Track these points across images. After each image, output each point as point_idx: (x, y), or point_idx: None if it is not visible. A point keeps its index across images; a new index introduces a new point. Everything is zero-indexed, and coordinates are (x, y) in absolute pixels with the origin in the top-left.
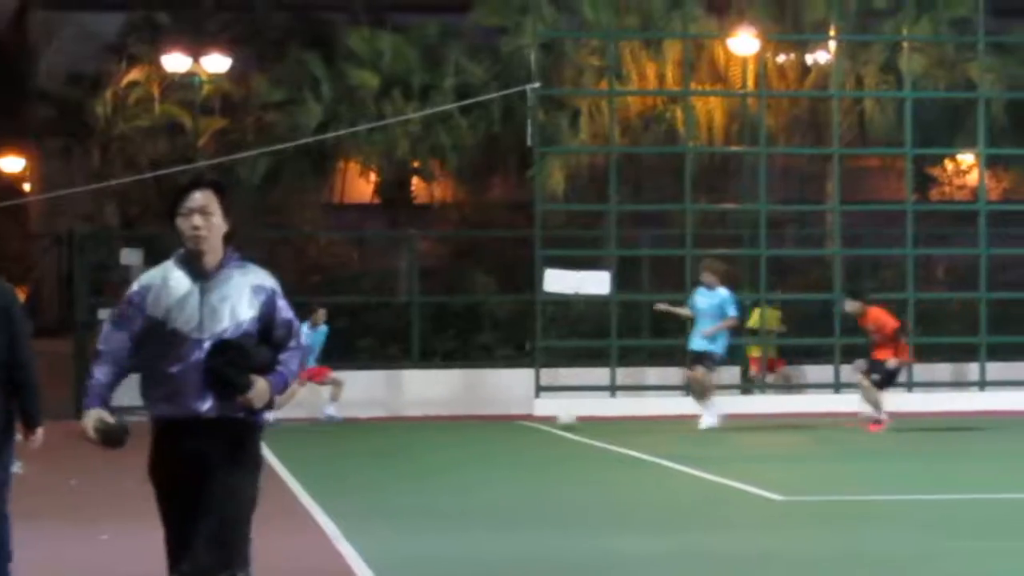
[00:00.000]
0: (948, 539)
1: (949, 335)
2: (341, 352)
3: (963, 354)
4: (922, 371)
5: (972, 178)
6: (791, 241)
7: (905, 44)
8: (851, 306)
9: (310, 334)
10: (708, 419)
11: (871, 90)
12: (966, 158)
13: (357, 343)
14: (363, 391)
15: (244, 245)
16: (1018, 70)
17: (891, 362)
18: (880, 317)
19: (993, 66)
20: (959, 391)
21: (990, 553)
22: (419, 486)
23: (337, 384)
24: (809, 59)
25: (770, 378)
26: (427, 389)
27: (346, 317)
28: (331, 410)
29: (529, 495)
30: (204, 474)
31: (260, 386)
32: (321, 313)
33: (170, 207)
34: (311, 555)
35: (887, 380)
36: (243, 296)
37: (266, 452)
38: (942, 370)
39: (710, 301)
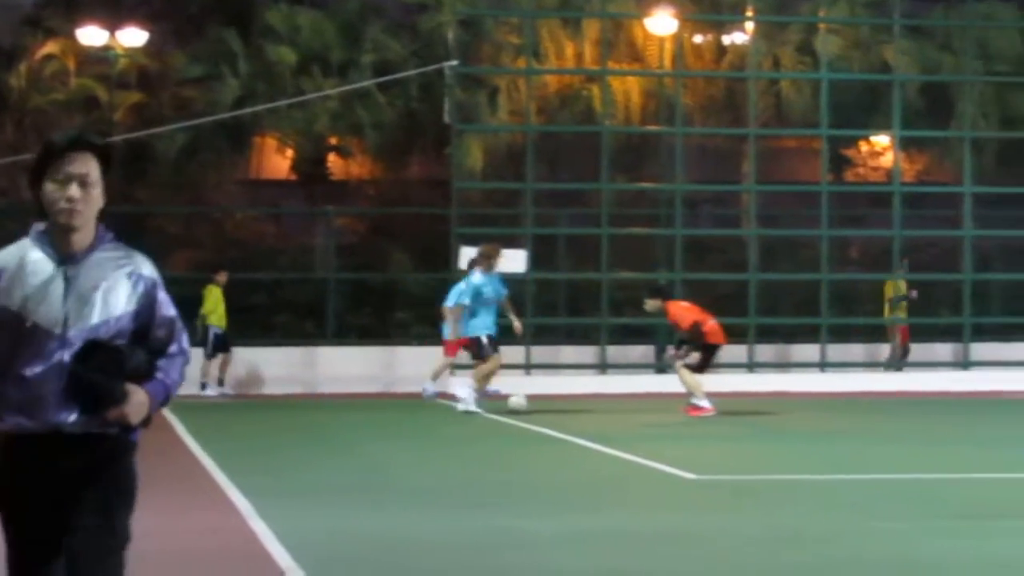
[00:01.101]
0: (860, 518)
1: (862, 315)
2: (257, 328)
3: (876, 335)
4: (834, 352)
5: (887, 160)
6: (707, 221)
7: (822, 26)
8: (651, 305)
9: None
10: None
11: (788, 71)
12: (881, 140)
13: (273, 319)
14: (279, 368)
15: (161, 221)
16: (933, 53)
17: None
18: (677, 313)
19: (908, 49)
20: (872, 371)
21: (896, 533)
22: (334, 463)
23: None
24: (726, 40)
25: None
26: (343, 366)
27: (263, 293)
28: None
29: (443, 473)
30: (66, 506)
31: (137, 398)
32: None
33: (37, 168)
34: (223, 533)
35: (702, 365)
36: (118, 285)
37: (179, 428)
38: (855, 350)
39: (491, 285)
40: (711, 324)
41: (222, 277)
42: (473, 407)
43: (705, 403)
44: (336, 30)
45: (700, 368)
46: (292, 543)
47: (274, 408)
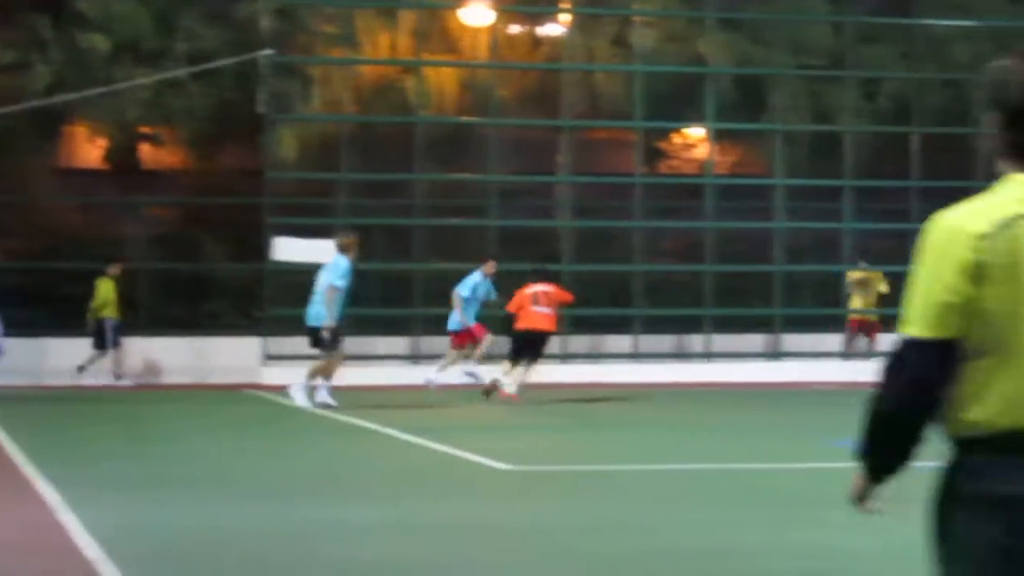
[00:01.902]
0: (677, 509)
1: (675, 307)
2: (70, 319)
3: (688, 326)
4: (647, 343)
5: (700, 152)
6: (522, 212)
7: (636, 18)
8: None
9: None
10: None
11: (602, 63)
12: (695, 132)
13: (85, 310)
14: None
15: None
16: (746, 46)
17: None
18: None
19: (722, 42)
20: (684, 362)
21: (713, 523)
22: (145, 455)
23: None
24: (541, 32)
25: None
26: (154, 356)
27: (75, 284)
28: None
29: (255, 464)
30: None
31: None
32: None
33: None
34: (31, 526)
35: (517, 352)
36: None
37: None
38: (668, 341)
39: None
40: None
41: (115, 269)
42: (329, 400)
43: (505, 386)
44: (150, 18)
45: (515, 356)
46: (103, 535)
47: (87, 400)
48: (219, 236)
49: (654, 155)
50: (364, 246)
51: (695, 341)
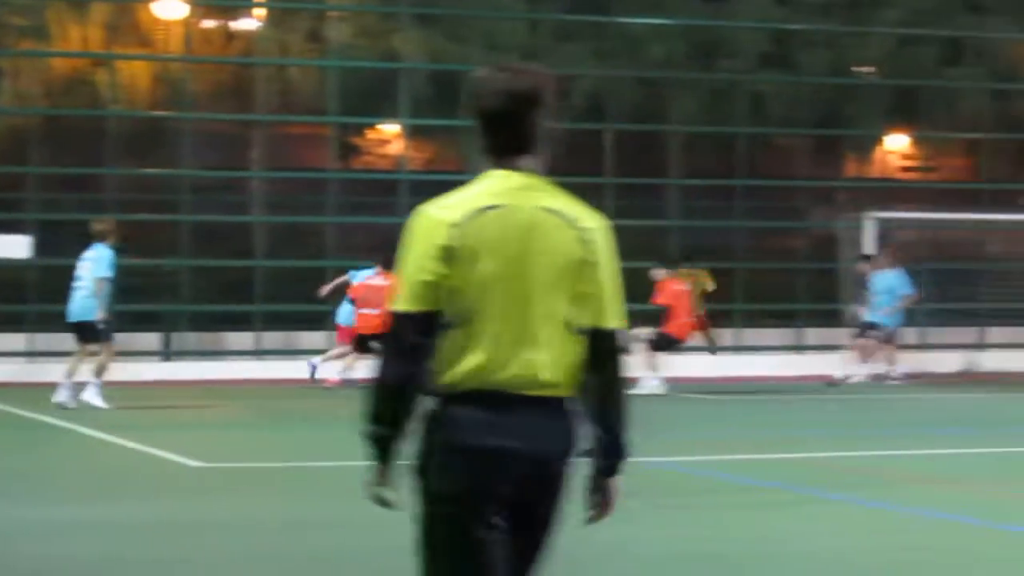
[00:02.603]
0: (366, 504)
1: None
2: None
3: None
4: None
5: (395, 148)
6: (215, 207)
7: (331, 13)
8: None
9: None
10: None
11: (296, 58)
12: (389, 128)
13: None
14: None
15: None
16: (442, 42)
17: None
18: None
19: (417, 38)
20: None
21: (405, 519)
22: None
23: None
24: (235, 26)
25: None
26: None
27: None
28: None
29: None
30: None
31: None
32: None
33: None
34: None
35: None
36: None
37: None
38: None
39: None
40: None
41: None
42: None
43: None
44: None
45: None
46: None
47: None
48: None
49: (348, 150)
50: (56, 241)
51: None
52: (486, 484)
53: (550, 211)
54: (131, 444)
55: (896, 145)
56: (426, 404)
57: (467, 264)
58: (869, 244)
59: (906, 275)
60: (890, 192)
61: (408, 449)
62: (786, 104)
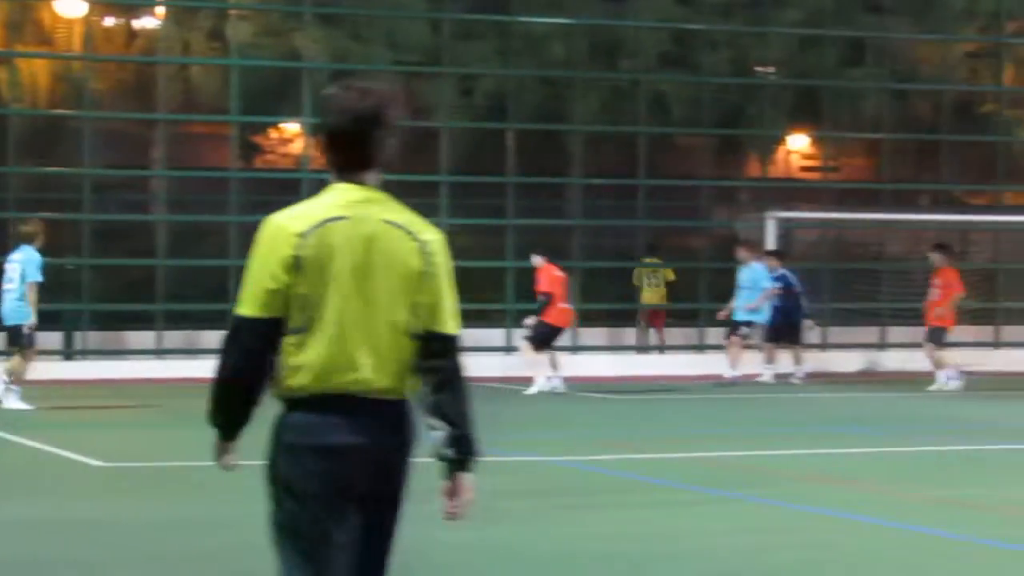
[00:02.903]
0: (255, 503)
1: None
2: None
3: None
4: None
5: (296, 147)
6: (117, 206)
7: (232, 12)
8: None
9: None
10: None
11: (198, 56)
12: (291, 127)
13: None
14: None
15: None
16: (344, 41)
17: None
18: None
19: (319, 36)
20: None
21: None
22: None
23: None
24: (137, 24)
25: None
26: None
27: None
28: None
29: None
30: None
31: None
32: None
33: None
34: None
35: None
36: None
37: None
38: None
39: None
40: None
41: None
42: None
43: None
44: None
45: None
46: None
47: None
48: None
49: (251, 149)
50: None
51: None
52: (333, 480)
53: (391, 224)
54: (33, 443)
55: (798, 145)
56: (273, 407)
57: (312, 273)
58: (771, 243)
59: (765, 270)
60: (792, 192)
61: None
62: (688, 104)
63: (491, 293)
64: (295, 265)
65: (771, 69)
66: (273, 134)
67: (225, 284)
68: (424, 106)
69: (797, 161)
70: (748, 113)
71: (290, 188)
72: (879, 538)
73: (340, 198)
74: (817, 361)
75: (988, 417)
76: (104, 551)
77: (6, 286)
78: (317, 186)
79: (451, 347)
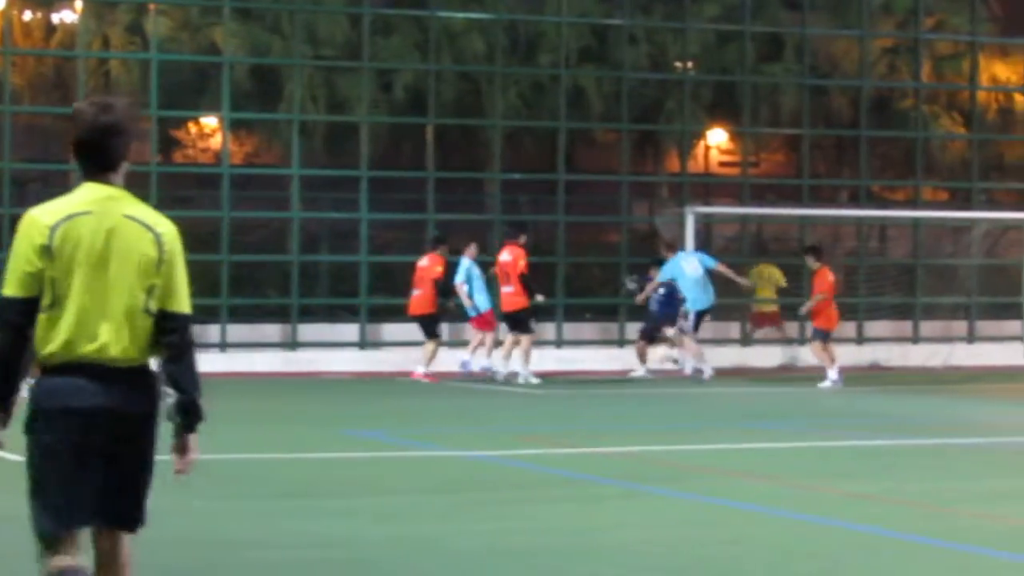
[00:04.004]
0: (182, 498)
1: (192, 297)
2: None
3: (204, 315)
4: None
5: (216, 141)
6: (36, 200)
7: (151, 6)
8: None
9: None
10: None
11: (117, 51)
12: (210, 121)
13: None
14: None
15: None
16: (263, 36)
17: None
18: None
19: (238, 31)
20: (200, 352)
21: (218, 512)
22: None
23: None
24: (56, 18)
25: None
26: None
27: None
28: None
29: None
30: None
31: None
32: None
33: None
34: None
35: None
36: None
37: None
38: None
39: None
40: None
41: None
42: None
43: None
44: None
45: None
46: None
47: None
48: None
49: (170, 144)
50: None
51: (211, 331)
52: (80, 438)
53: (130, 218)
54: None
55: (717, 140)
56: (31, 374)
57: (60, 260)
58: (690, 239)
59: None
60: (711, 187)
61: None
62: (607, 99)
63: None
64: (46, 252)
65: (690, 64)
66: (193, 128)
67: None
68: (344, 100)
69: (716, 156)
70: (667, 108)
71: (210, 183)
72: (796, 532)
73: (87, 195)
74: (738, 357)
75: (904, 412)
76: None
77: None
78: (236, 181)
79: (183, 324)
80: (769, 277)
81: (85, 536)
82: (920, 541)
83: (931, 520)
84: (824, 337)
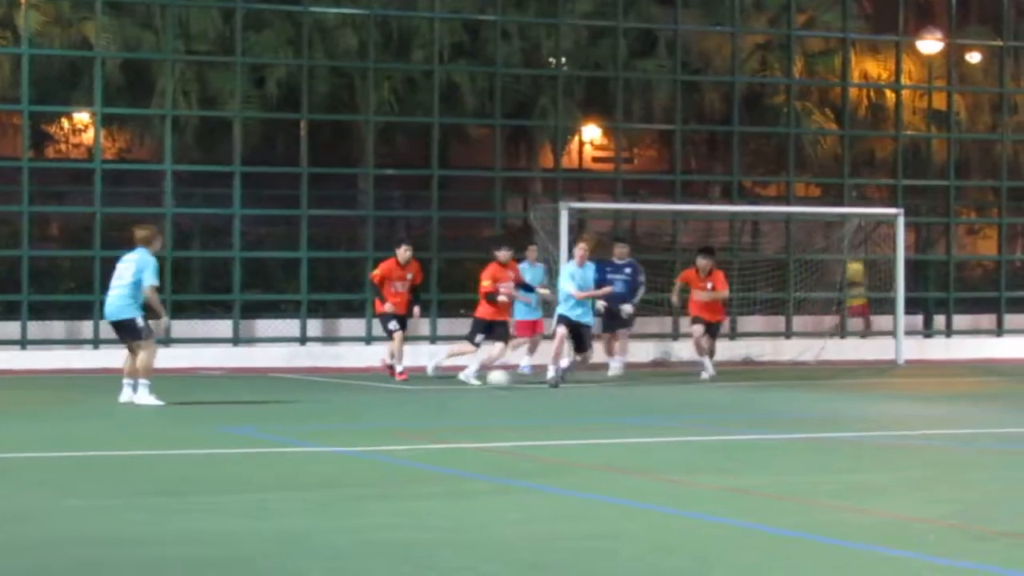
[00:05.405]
0: (61, 496)
1: (63, 293)
2: None
3: (78, 312)
4: (36, 329)
5: (88, 136)
6: None
7: (23, 1)
8: None
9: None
10: None
11: None
12: (82, 116)
13: None
14: None
15: None
16: (135, 31)
17: None
18: None
19: (110, 26)
20: (75, 348)
21: (93, 510)
22: None
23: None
24: None
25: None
26: None
27: None
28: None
29: None
30: None
31: None
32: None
33: None
34: None
35: None
36: None
37: None
38: (58, 328)
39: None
40: None
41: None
42: None
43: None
44: None
45: None
46: None
47: None
48: None
49: (42, 139)
50: None
51: (84, 328)
52: None
53: None
54: None
55: (590, 136)
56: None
57: None
58: (563, 235)
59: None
60: (584, 182)
61: None
62: (480, 94)
63: (285, 284)
64: None
65: (563, 60)
66: (65, 123)
67: (16, 275)
68: (216, 95)
69: (589, 152)
70: (541, 104)
71: (82, 178)
72: (670, 527)
73: None
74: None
75: (778, 407)
76: None
77: None
78: (109, 176)
79: None
80: (854, 273)
81: None
82: (789, 535)
83: (802, 514)
84: (714, 332)
